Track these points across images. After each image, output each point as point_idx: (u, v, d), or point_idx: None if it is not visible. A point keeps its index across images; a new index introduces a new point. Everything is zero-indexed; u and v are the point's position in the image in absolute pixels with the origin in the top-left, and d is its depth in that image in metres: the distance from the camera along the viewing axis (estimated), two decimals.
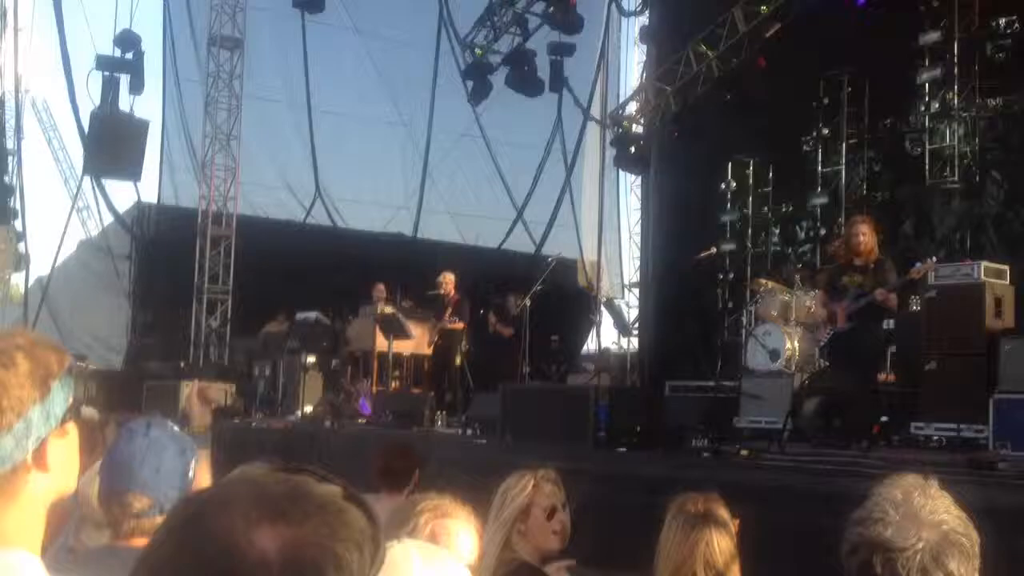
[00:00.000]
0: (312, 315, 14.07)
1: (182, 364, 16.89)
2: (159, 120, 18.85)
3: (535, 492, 3.44)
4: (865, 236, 8.55)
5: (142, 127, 16.72)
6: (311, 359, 13.52)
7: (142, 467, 2.37)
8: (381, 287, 14.02)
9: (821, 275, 10.47)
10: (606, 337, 18.98)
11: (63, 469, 1.62)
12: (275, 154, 19.91)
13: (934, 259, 8.39)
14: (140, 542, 2.27)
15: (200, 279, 18.42)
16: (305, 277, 15.90)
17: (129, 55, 16.27)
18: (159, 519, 2.25)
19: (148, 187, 18.68)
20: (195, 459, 2.46)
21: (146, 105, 17.66)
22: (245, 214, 18.96)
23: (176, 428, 2.51)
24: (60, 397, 1.61)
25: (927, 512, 1.90)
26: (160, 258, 18.00)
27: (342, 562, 1.01)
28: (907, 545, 1.85)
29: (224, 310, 18.56)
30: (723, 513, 3.29)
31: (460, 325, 12.81)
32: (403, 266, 16.38)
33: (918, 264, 8.47)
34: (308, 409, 12.82)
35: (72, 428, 1.65)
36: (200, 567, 0.98)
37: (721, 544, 3.23)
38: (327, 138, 20.17)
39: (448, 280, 12.97)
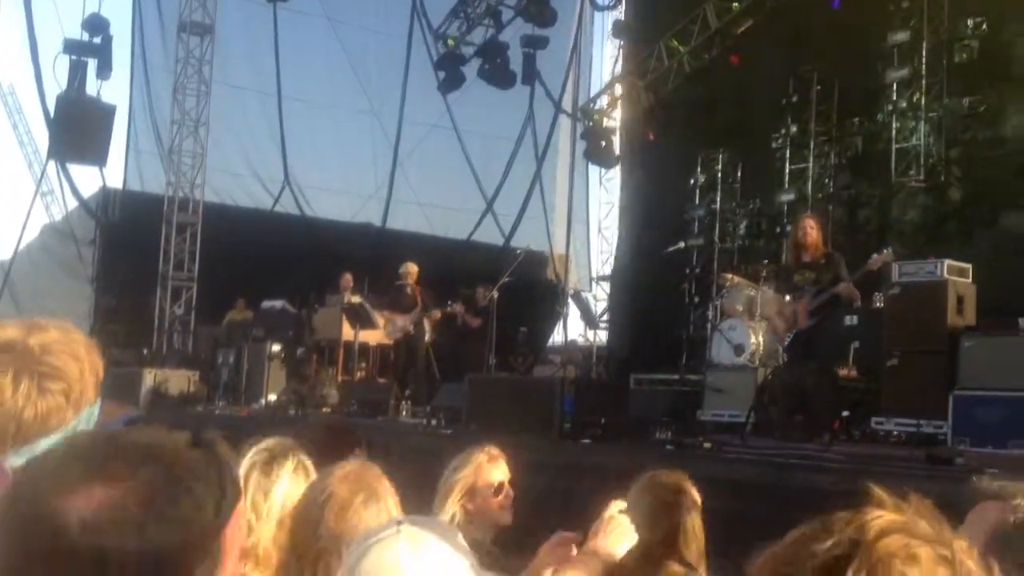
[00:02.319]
0: (278, 303, 13.99)
1: (145, 351, 16.75)
2: (126, 105, 18.70)
3: (480, 470, 3.43)
4: (813, 232, 8.63)
5: (109, 112, 16.56)
6: (276, 347, 13.43)
7: None
8: (348, 277, 13.97)
9: (772, 273, 10.53)
10: (573, 329, 19.03)
11: None
12: (243, 141, 19.76)
13: (889, 250, 8.44)
14: None
15: (165, 266, 18.26)
16: (272, 266, 15.80)
17: (97, 39, 16.12)
18: None
19: (114, 172, 18.54)
20: None
21: (113, 90, 17.48)
22: (212, 201, 18.83)
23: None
24: (97, 409, 1.58)
25: None
26: (124, 244, 17.81)
27: (165, 514, 1.00)
28: None
29: (189, 297, 18.41)
30: (696, 494, 3.29)
31: (439, 314, 12.74)
32: (371, 256, 16.32)
33: (875, 255, 8.50)
34: (272, 397, 12.75)
35: None
36: (22, 536, 0.98)
37: (697, 524, 3.23)
38: (296, 126, 20.06)
39: (412, 271, 12.91)
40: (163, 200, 18.39)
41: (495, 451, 3.56)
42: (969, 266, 9.42)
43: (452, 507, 3.32)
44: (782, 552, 1.14)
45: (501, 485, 3.44)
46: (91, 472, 0.99)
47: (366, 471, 2.48)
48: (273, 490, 2.76)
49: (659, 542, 3.12)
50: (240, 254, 16.81)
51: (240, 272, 16.34)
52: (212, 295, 17.26)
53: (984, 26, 12.19)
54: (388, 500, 2.41)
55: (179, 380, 13.99)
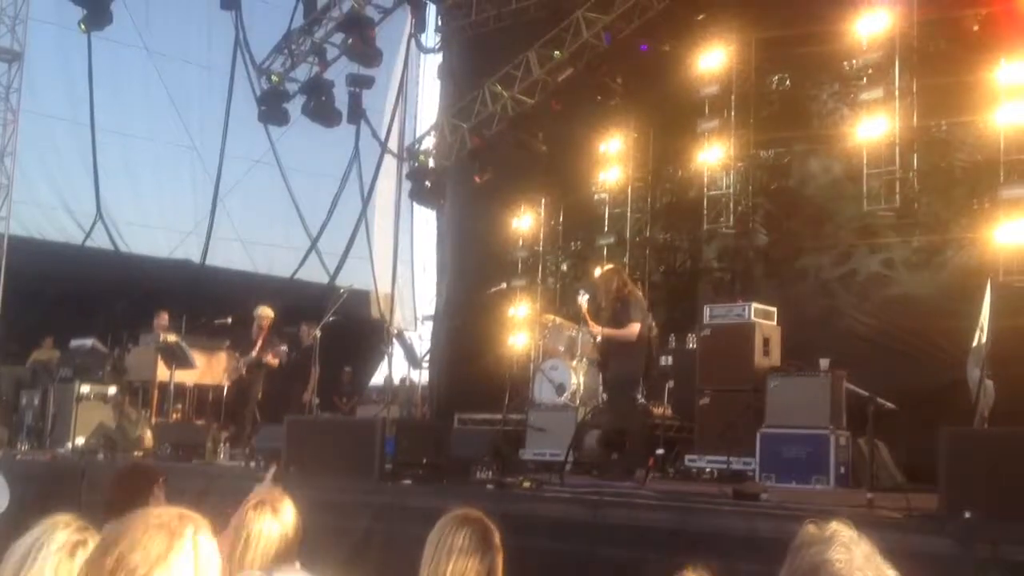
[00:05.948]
0: (88, 342, 13.39)
1: None
2: None
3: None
4: (603, 284, 9.11)
5: None
6: (85, 389, 12.82)
7: None
8: (164, 315, 13.53)
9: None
10: (397, 370, 18.93)
11: None
12: (54, 173, 18.85)
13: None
14: None
15: None
16: (82, 303, 15.12)
17: None
18: None
19: None
20: None
21: None
22: (18, 235, 17.89)
23: None
24: None
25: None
26: None
27: None
28: None
29: None
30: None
31: (275, 361, 12.35)
32: (189, 294, 15.85)
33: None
34: (80, 441, 12.15)
35: None
36: None
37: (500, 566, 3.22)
38: (112, 159, 19.27)
39: (265, 315, 12.47)
40: None
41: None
42: (774, 309, 9.96)
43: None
44: None
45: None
46: None
47: (184, 520, 2.18)
48: None
49: None
50: (48, 290, 16.02)
51: (48, 309, 15.58)
52: (17, 333, 16.35)
53: (787, 82, 12.97)
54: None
55: None
